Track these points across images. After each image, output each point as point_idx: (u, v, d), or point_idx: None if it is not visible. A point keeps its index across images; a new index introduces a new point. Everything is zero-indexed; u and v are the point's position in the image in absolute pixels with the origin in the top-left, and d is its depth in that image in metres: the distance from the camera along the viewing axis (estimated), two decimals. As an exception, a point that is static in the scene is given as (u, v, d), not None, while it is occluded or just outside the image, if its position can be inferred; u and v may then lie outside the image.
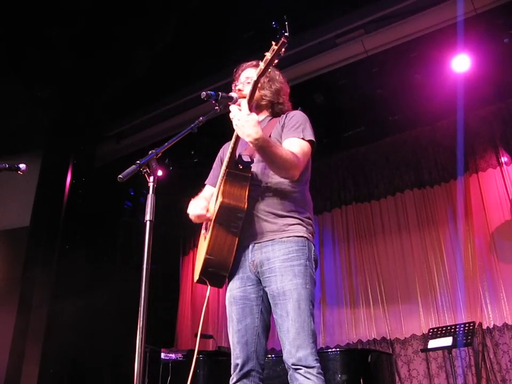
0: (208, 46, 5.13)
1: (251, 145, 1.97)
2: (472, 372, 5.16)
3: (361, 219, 6.50)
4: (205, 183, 2.46)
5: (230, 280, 2.13)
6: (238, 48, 5.13)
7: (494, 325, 5.18)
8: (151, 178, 1.81)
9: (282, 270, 1.96)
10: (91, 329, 5.63)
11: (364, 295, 6.13)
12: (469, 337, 4.37)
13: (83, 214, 6.20)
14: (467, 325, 4.54)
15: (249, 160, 2.07)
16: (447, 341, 4.47)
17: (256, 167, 2.12)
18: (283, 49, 1.88)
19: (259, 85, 2.08)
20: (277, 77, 2.34)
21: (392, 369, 4.62)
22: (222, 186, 2.02)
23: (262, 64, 1.94)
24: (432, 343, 4.59)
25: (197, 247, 7.65)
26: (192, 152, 6.29)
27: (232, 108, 2.00)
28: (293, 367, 1.88)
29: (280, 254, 2.00)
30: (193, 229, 7.74)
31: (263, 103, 2.30)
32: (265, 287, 2.03)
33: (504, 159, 5.65)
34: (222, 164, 2.33)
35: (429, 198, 6.12)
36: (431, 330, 4.78)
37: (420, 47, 4.88)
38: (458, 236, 5.69)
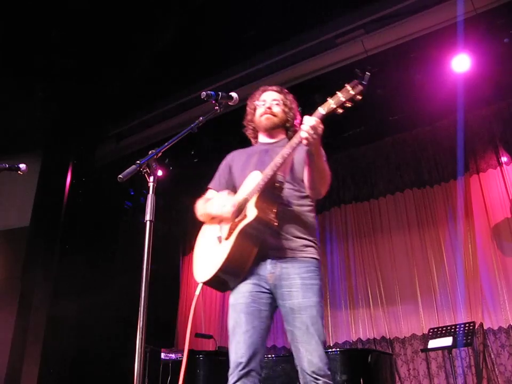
0: (208, 46, 5.13)
1: (313, 155, 2.07)
2: (472, 372, 5.16)
3: (361, 218, 6.50)
4: (209, 187, 2.50)
5: (241, 282, 2.20)
6: (238, 48, 5.13)
7: (496, 326, 5.17)
8: (151, 178, 1.82)
9: (304, 288, 2.12)
10: (91, 329, 5.63)
11: (364, 295, 6.13)
12: (469, 337, 4.37)
13: (83, 214, 6.20)
14: (467, 325, 4.54)
15: (283, 180, 2.20)
16: (447, 341, 4.47)
17: (285, 189, 2.24)
18: (358, 97, 1.94)
19: (287, 109, 2.42)
20: (295, 103, 2.52)
21: (392, 369, 4.62)
22: (256, 200, 2.11)
23: (332, 104, 1.98)
24: (432, 343, 4.60)
25: (197, 247, 7.65)
26: (192, 152, 6.29)
27: (310, 121, 1.99)
28: (314, 375, 2.03)
29: (300, 272, 2.15)
30: (193, 229, 7.75)
31: (288, 124, 2.47)
32: (283, 300, 2.14)
33: (504, 159, 5.65)
34: (230, 171, 2.46)
35: (428, 197, 6.12)
36: (431, 330, 4.78)
37: (420, 47, 4.87)
38: (458, 236, 5.69)
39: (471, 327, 4.48)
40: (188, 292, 7.42)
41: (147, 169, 1.81)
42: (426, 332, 5.21)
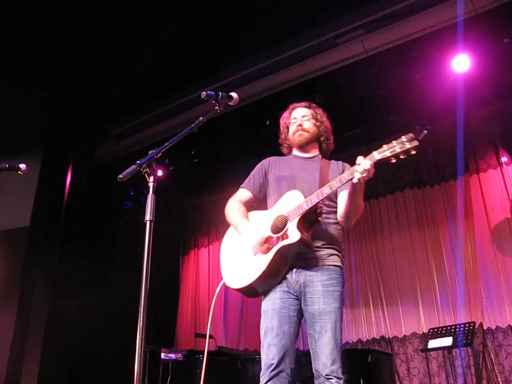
0: (208, 46, 5.13)
1: (357, 191, 2.21)
2: (471, 372, 5.16)
3: (361, 218, 6.47)
4: (243, 187, 2.60)
5: (271, 290, 2.33)
6: (238, 48, 5.14)
7: (496, 326, 5.18)
8: (151, 178, 1.82)
9: (325, 294, 2.26)
10: (91, 329, 5.63)
11: (364, 295, 6.13)
12: (469, 337, 4.38)
13: (83, 214, 6.20)
14: (467, 325, 4.54)
15: (323, 205, 2.36)
16: (447, 341, 4.47)
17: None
18: (413, 152, 2.00)
19: (318, 123, 2.55)
20: (325, 116, 2.64)
21: (392, 369, 4.62)
22: (298, 222, 2.22)
23: (388, 152, 2.03)
24: (432, 343, 4.60)
25: (197, 247, 7.65)
26: (192, 152, 6.29)
27: (366, 164, 2.07)
28: (327, 377, 2.15)
29: (323, 279, 2.28)
30: (193, 229, 7.75)
31: (322, 138, 2.60)
32: (305, 305, 2.28)
33: (504, 159, 5.65)
34: (265, 176, 2.58)
35: (428, 197, 6.12)
36: (431, 330, 4.78)
37: (420, 47, 4.87)
38: (458, 236, 5.69)
39: (471, 327, 4.48)
40: (187, 292, 7.41)
41: (147, 169, 1.82)
42: (427, 332, 5.21)
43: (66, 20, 4.75)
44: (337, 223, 2.44)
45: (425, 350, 4.76)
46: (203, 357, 4.43)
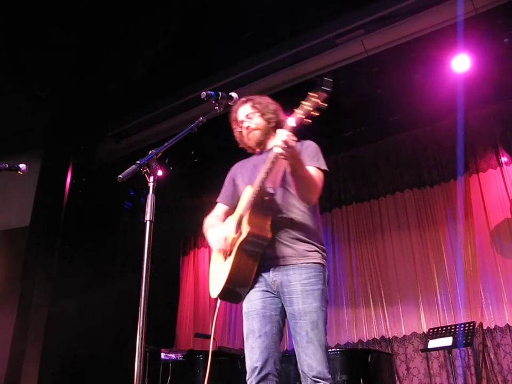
0: (208, 46, 5.13)
1: (293, 165, 2.07)
2: (471, 372, 5.17)
3: (361, 219, 6.50)
4: (217, 201, 2.58)
5: (249, 291, 2.28)
6: (238, 48, 5.13)
7: (495, 325, 5.18)
8: (151, 178, 1.82)
9: (304, 294, 2.16)
10: (91, 329, 5.62)
11: (364, 295, 6.13)
12: (469, 337, 4.37)
13: (83, 214, 6.19)
14: (467, 325, 4.54)
15: (273, 192, 2.26)
16: (447, 341, 4.47)
17: (278, 197, 2.28)
18: (323, 105, 1.93)
19: (262, 113, 2.40)
20: (267, 100, 2.48)
21: (392, 369, 4.62)
22: (248, 216, 2.18)
23: (300, 114, 1.96)
24: (432, 343, 4.60)
25: (197, 247, 7.66)
26: (192, 152, 6.29)
27: (282, 135, 1.98)
28: (314, 379, 2.08)
29: (301, 278, 2.18)
30: (193, 229, 7.75)
31: (272, 125, 2.43)
32: (285, 305, 2.21)
33: (504, 159, 5.65)
34: (233, 183, 2.53)
35: (428, 197, 6.12)
36: (431, 330, 4.78)
37: (420, 47, 4.87)
38: (458, 236, 5.69)
39: (471, 327, 4.48)
40: (187, 292, 7.41)
41: (147, 169, 1.81)
42: (426, 332, 5.21)
43: (66, 19, 4.75)
44: (313, 214, 2.33)
45: (425, 350, 4.75)
46: (203, 357, 4.46)
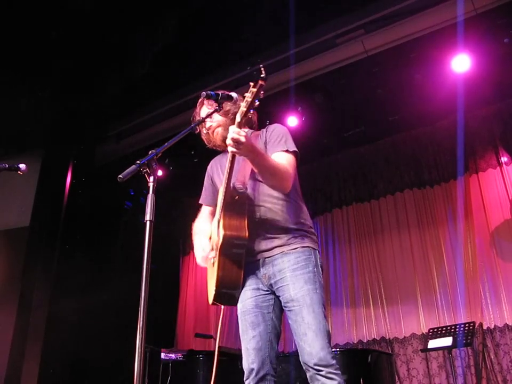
0: (208, 46, 5.13)
1: (250, 158, 2.03)
2: (471, 372, 5.17)
3: (361, 219, 6.50)
4: (200, 202, 2.58)
5: (241, 291, 2.23)
6: (238, 48, 5.13)
7: (494, 325, 5.18)
8: (151, 178, 1.81)
9: (294, 279, 2.09)
10: (91, 329, 5.63)
11: (364, 295, 6.13)
12: (469, 337, 4.37)
13: (83, 214, 6.20)
14: (467, 325, 4.53)
15: (243, 189, 2.20)
16: (447, 341, 4.47)
17: (251, 191, 2.22)
18: (262, 92, 1.91)
19: (222, 108, 2.24)
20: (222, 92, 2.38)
21: (392, 369, 4.62)
22: (222, 219, 2.13)
23: (243, 107, 1.95)
24: (432, 343, 4.59)
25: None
26: (192, 152, 6.28)
27: (230, 133, 1.96)
28: (315, 367, 1.97)
29: (290, 264, 2.12)
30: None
31: (232, 117, 2.30)
32: (279, 296, 2.15)
33: (504, 159, 5.65)
34: (212, 182, 2.50)
35: (428, 197, 6.12)
36: (431, 330, 4.78)
37: (420, 47, 4.88)
38: (458, 236, 5.69)
39: (470, 327, 4.48)
40: (187, 292, 7.41)
41: (147, 169, 1.81)
42: (426, 332, 5.21)
43: (66, 20, 4.75)
44: (293, 200, 2.26)
45: (425, 350, 4.75)
46: (203, 357, 4.46)
